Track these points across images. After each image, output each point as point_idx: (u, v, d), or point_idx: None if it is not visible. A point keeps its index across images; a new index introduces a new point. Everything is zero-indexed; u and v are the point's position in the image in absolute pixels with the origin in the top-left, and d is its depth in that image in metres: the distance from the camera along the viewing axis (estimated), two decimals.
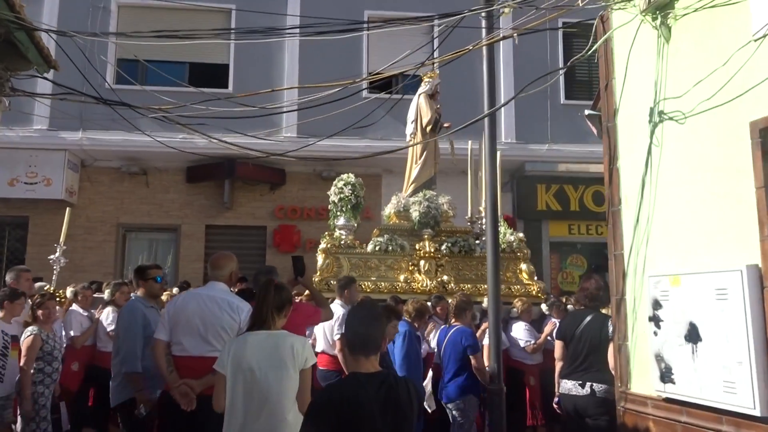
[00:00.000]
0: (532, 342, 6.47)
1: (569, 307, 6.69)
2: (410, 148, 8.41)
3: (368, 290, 7.07)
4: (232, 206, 11.68)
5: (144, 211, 11.70)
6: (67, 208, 8.21)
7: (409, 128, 8.50)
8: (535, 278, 7.74)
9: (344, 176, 7.98)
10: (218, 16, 12.13)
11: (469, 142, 8.39)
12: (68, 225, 7.94)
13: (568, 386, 4.50)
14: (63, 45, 5.57)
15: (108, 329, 6.21)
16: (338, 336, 5.52)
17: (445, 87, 11.69)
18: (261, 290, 3.35)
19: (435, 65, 8.70)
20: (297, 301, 4.53)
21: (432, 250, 7.47)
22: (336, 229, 7.85)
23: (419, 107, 8.40)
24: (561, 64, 11.90)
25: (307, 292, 5.51)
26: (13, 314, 5.06)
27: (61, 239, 7.84)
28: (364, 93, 11.48)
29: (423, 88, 8.62)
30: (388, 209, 8.44)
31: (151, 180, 11.77)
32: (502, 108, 11.68)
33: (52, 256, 7.77)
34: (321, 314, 4.51)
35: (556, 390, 4.68)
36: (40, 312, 5.20)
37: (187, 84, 11.34)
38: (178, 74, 11.56)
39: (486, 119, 5.89)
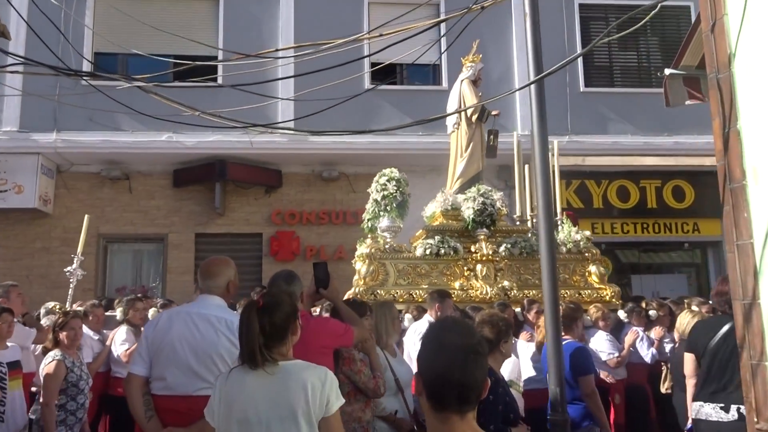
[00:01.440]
0: (616, 354, 5.56)
1: (651, 312, 5.77)
2: (455, 141, 7.48)
3: (420, 300, 6.23)
4: (224, 212, 10.63)
5: (127, 220, 10.63)
6: (86, 216, 7.21)
7: (452, 118, 7.57)
8: (607, 281, 6.95)
9: (386, 171, 7.00)
10: (205, 5, 11.15)
11: (515, 133, 7.75)
12: (86, 233, 7.08)
13: (706, 411, 3.67)
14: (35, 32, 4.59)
15: (120, 351, 5.53)
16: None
17: (453, 74, 10.72)
18: (241, 316, 2.45)
19: (476, 47, 7.80)
20: (321, 315, 3.50)
21: (490, 252, 6.64)
22: (377, 232, 6.87)
23: (462, 94, 7.47)
24: (579, 43, 10.96)
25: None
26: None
27: (79, 249, 6.93)
28: (367, 84, 10.50)
29: (465, 73, 7.68)
30: (432, 208, 7.49)
31: (135, 185, 10.72)
32: (517, 97, 10.73)
33: (69, 268, 6.88)
34: (353, 333, 3.48)
35: (688, 414, 3.99)
36: (64, 334, 4.39)
37: (172, 79, 10.33)
38: (162, 69, 10.53)
39: (533, 102, 4.84)
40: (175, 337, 2.99)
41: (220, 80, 10.32)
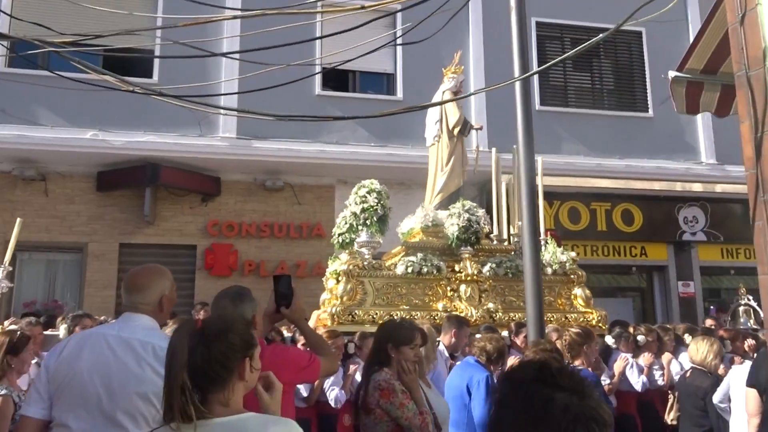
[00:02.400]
0: (607, 382, 5.18)
1: (639, 338, 5.39)
2: (435, 154, 7.16)
3: None
4: (154, 220, 9.65)
5: (41, 226, 9.45)
6: (18, 219, 5.99)
7: (432, 130, 7.26)
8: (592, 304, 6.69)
9: (366, 182, 6.59)
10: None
11: (493, 149, 7.44)
12: (16, 239, 5.78)
13: None
14: None
15: None
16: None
17: (408, 84, 10.29)
18: (169, 343, 1.71)
19: (458, 58, 7.46)
20: (282, 345, 2.81)
21: (475, 272, 6.31)
22: (353, 247, 6.48)
23: (444, 106, 7.15)
24: (535, 67, 10.76)
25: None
26: None
27: (7, 257, 5.68)
28: (318, 90, 9.90)
29: (447, 84, 7.32)
30: (409, 224, 7.06)
31: (52, 187, 9.57)
32: (473, 113, 10.39)
33: None
34: (320, 365, 2.81)
35: None
36: (14, 361, 3.56)
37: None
38: (90, 62, 9.51)
39: (519, 122, 4.43)
40: (85, 369, 2.30)
41: (155, 77, 9.44)
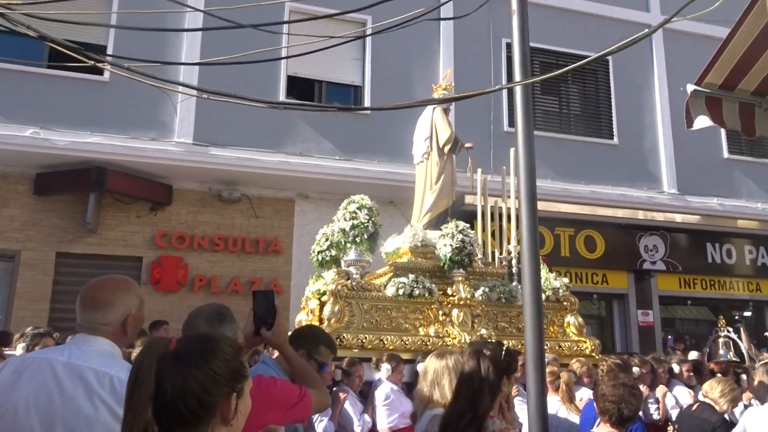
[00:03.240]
0: None
1: (635, 369, 5.14)
2: (425, 171, 6.94)
3: (391, 347, 5.52)
4: (96, 229, 8.88)
5: None
6: None
7: (421, 147, 7.00)
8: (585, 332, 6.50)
9: (356, 197, 6.27)
10: None
11: (480, 170, 7.36)
12: None
13: None
14: None
15: None
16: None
17: (376, 97, 9.93)
18: (132, 369, 1.29)
19: (449, 74, 7.46)
20: (267, 378, 2.31)
21: (469, 296, 6.05)
22: (340, 266, 6.15)
23: (434, 122, 6.94)
24: (504, 81, 10.61)
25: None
26: None
27: None
28: (282, 97, 9.42)
29: None
30: (395, 243, 6.77)
31: None
32: None
33: None
34: (311, 401, 2.32)
35: None
36: None
37: (46, 63, 8.64)
38: (32, 53, 8.78)
39: (521, 142, 4.06)
40: (21, 403, 1.84)
41: (106, 74, 8.75)
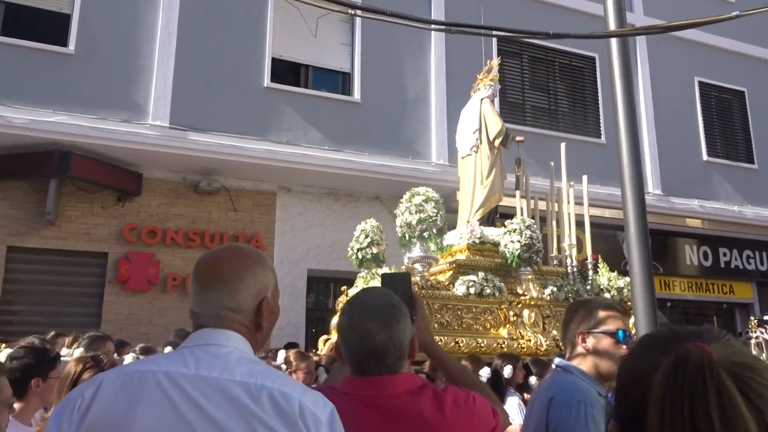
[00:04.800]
0: None
1: None
2: (473, 165, 6.58)
3: (466, 349, 5.14)
4: (56, 220, 7.88)
5: None
6: None
7: (469, 139, 6.63)
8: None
9: (420, 189, 5.77)
10: None
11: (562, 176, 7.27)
12: None
13: None
14: None
15: None
16: None
17: (366, 85, 9.36)
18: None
19: (496, 65, 7.06)
20: (463, 391, 1.66)
21: (540, 296, 5.82)
22: (406, 262, 5.78)
23: (484, 115, 6.65)
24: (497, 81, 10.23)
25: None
26: None
27: None
28: (266, 82, 8.72)
29: (484, 92, 6.86)
30: (450, 240, 6.30)
31: None
32: (433, 123, 9.62)
33: None
34: (500, 416, 1.69)
35: None
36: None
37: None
38: None
39: (624, 152, 3.63)
40: None
41: (71, 46, 7.82)
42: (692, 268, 11.64)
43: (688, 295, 11.70)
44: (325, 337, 6.51)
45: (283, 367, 4.27)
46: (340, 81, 9.41)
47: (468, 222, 6.22)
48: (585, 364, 1.97)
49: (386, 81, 9.43)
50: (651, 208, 10.95)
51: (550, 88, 10.93)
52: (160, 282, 8.25)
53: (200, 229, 8.60)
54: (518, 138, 6.99)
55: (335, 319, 6.38)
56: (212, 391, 1.21)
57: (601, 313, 1.98)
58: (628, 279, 6.29)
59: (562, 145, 7.50)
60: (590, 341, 1.97)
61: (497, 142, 6.54)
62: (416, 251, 5.58)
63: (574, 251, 6.58)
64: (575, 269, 6.41)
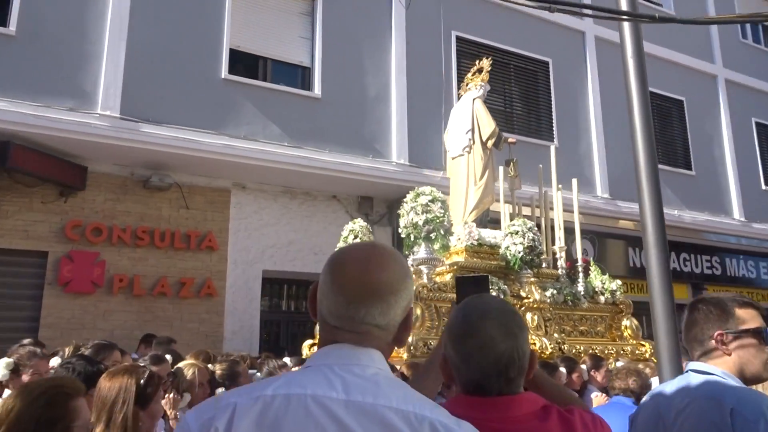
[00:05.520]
0: None
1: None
2: (467, 165, 6.47)
3: None
4: None
5: None
6: None
7: (461, 140, 6.53)
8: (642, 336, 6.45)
9: (425, 189, 5.61)
10: None
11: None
12: None
13: None
14: None
15: None
16: None
17: (327, 81, 9.12)
18: None
19: (487, 65, 6.95)
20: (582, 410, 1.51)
21: (544, 299, 5.79)
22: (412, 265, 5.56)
23: (476, 115, 6.56)
24: (454, 80, 10.21)
25: None
26: None
27: None
28: (224, 74, 8.34)
29: (476, 92, 6.80)
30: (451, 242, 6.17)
31: None
32: (393, 124, 9.49)
33: None
34: None
35: None
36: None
37: None
38: None
39: (642, 162, 3.56)
40: None
41: (12, 26, 7.20)
42: (633, 270, 12.04)
43: (629, 295, 12.07)
44: (309, 342, 6.29)
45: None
46: (299, 75, 9.11)
47: (465, 223, 6.11)
48: (727, 368, 1.79)
49: (347, 77, 9.21)
50: (598, 212, 11.32)
51: (506, 91, 11.01)
52: (105, 283, 7.71)
53: (150, 227, 8.11)
54: (510, 139, 6.98)
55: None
56: (368, 421, 1.02)
57: (740, 311, 1.82)
58: (618, 282, 6.44)
59: (552, 148, 7.62)
60: (732, 342, 1.80)
61: (490, 143, 6.51)
62: (422, 252, 5.42)
63: (563, 254, 6.62)
64: (565, 272, 6.42)
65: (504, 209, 6.88)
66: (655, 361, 5.62)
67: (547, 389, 1.68)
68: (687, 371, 1.88)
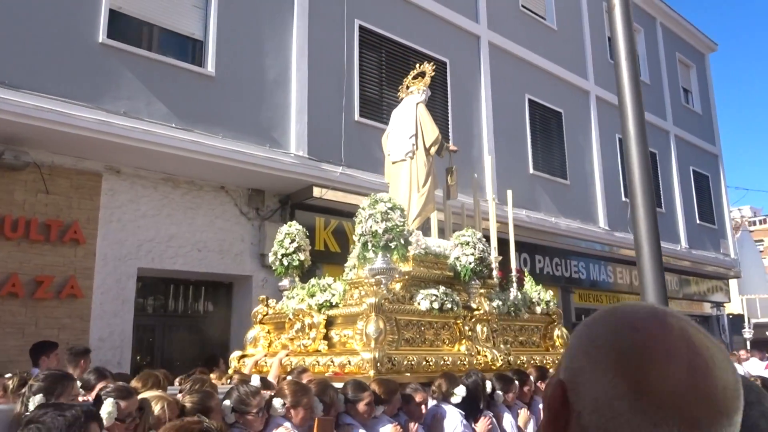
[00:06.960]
0: None
1: None
2: (409, 171, 6.12)
3: (434, 368, 4.72)
4: None
5: None
6: None
7: (404, 145, 6.24)
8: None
9: (381, 195, 5.15)
10: None
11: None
12: None
13: None
14: None
15: None
16: None
17: (221, 58, 8.22)
18: None
19: (429, 70, 6.61)
20: None
21: (491, 310, 5.52)
22: (363, 274, 5.23)
23: (419, 120, 6.26)
24: (356, 71, 9.68)
25: None
26: None
27: None
28: (102, 38, 7.18)
29: (418, 96, 6.47)
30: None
31: None
32: (293, 112, 8.80)
33: None
34: None
35: None
36: None
37: None
38: None
39: (625, 80, 3.29)
40: None
41: None
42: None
43: None
44: (238, 353, 5.64)
45: (279, 402, 3.31)
46: (191, 49, 8.07)
47: (412, 231, 5.62)
48: None
49: (244, 56, 8.34)
50: (487, 216, 11.36)
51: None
52: None
53: (9, 215, 6.70)
54: (452, 147, 6.83)
55: (251, 333, 5.74)
56: None
57: None
58: (551, 292, 6.42)
59: (487, 159, 7.52)
60: None
61: (433, 150, 6.22)
62: (379, 262, 4.88)
63: (497, 264, 6.41)
64: (499, 281, 6.20)
65: (449, 218, 6.75)
66: None
67: None
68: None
